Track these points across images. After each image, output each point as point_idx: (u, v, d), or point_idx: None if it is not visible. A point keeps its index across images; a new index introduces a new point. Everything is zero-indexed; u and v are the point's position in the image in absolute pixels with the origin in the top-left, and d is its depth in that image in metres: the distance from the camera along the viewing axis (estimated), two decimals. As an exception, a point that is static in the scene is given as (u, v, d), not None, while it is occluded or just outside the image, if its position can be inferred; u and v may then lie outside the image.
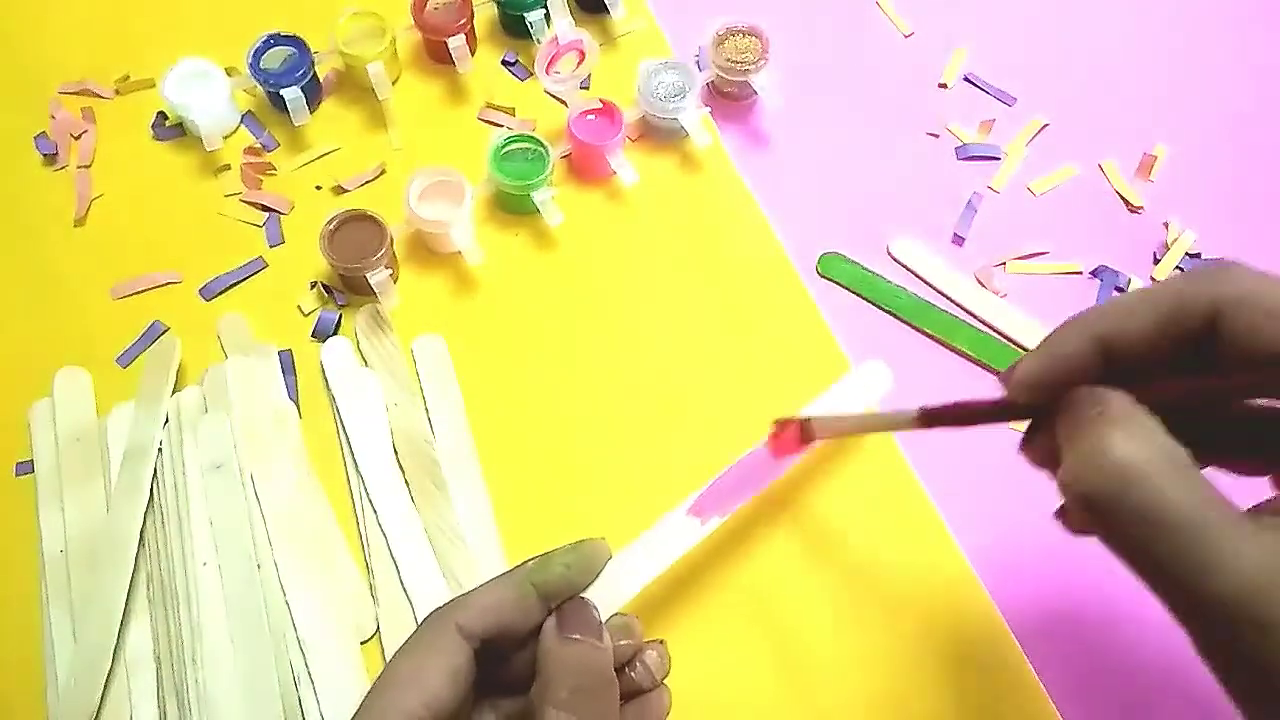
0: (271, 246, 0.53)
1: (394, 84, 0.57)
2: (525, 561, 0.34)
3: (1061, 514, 0.33)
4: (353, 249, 0.49)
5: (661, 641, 0.36)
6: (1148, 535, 0.24)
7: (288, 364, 0.49)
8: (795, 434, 0.39)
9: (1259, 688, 0.24)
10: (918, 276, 0.53)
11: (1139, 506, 0.24)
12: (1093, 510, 0.25)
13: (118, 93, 0.57)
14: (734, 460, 0.40)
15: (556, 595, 0.33)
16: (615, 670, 0.33)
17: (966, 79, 0.59)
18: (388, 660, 0.32)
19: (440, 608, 0.33)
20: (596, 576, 0.34)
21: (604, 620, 0.34)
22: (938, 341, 0.51)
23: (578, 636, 0.32)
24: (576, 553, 0.34)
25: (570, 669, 0.31)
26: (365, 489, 0.46)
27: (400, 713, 0.30)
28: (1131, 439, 0.25)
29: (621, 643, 0.34)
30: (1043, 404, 0.29)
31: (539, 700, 0.31)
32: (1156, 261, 0.53)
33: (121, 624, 0.42)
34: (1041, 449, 0.31)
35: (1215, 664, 0.25)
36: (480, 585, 0.33)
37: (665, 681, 0.36)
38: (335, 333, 0.50)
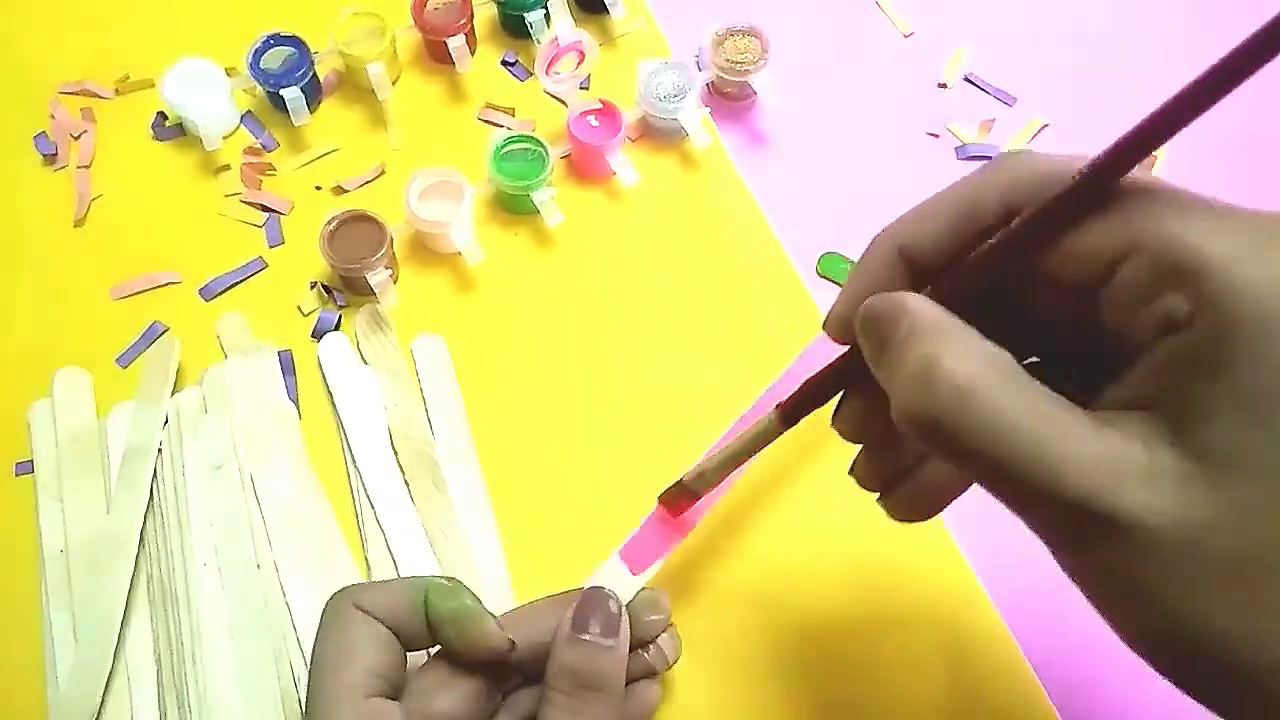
0: (271, 247, 0.53)
1: (394, 84, 0.57)
2: (443, 577, 0.34)
3: (884, 501, 0.32)
4: (352, 249, 0.49)
5: (671, 624, 0.36)
6: (994, 451, 0.22)
7: (288, 364, 0.49)
8: (682, 498, 0.36)
9: (1110, 589, 0.23)
10: (918, 276, 0.53)
11: (979, 424, 0.22)
12: (934, 439, 0.23)
13: (118, 93, 0.57)
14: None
15: (435, 629, 0.32)
16: (632, 648, 0.33)
17: (966, 79, 0.59)
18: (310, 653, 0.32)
19: (339, 591, 0.33)
20: (470, 648, 0.32)
21: (627, 601, 0.33)
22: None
23: (586, 637, 0.32)
24: (469, 616, 0.32)
25: (569, 671, 0.31)
26: (365, 489, 0.46)
27: (350, 688, 0.30)
28: (954, 352, 0.23)
29: (649, 618, 0.34)
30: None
31: (541, 699, 0.32)
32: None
33: (122, 624, 0.42)
34: (858, 407, 0.29)
35: (1070, 569, 0.24)
36: (391, 579, 0.33)
37: (661, 673, 0.36)
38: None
